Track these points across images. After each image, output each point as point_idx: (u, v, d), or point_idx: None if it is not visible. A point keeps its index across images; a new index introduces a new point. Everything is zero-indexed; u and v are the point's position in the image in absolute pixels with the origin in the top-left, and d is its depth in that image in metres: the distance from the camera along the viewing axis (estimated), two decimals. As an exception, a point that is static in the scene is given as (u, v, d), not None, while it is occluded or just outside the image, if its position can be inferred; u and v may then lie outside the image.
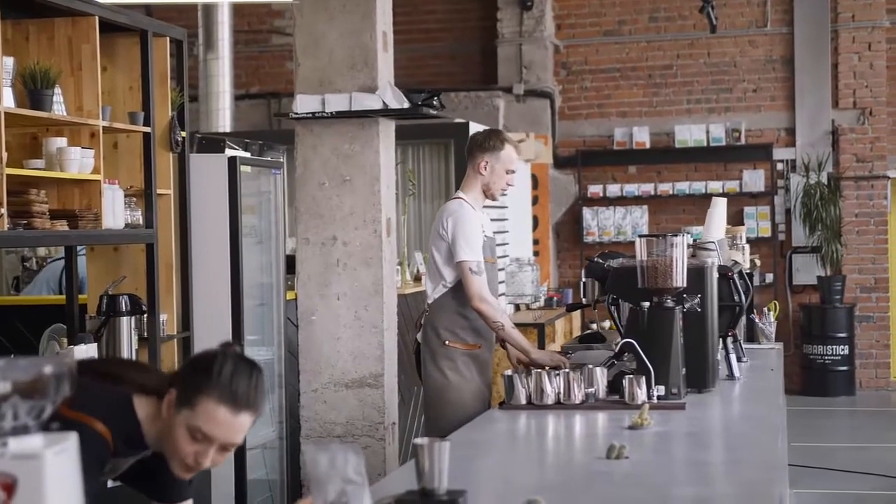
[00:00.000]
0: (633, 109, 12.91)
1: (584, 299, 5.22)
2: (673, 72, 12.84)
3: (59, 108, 5.00)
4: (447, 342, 5.11)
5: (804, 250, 12.46)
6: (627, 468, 3.33)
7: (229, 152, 6.66)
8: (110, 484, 3.14)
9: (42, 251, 8.46)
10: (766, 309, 6.72)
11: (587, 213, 12.80)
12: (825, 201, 12.14)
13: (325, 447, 2.37)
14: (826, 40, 12.48)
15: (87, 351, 5.15)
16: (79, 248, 5.94)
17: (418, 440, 2.75)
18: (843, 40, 12.49)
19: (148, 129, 5.59)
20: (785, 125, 12.65)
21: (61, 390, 1.81)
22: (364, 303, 5.55)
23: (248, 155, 6.94)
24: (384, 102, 5.46)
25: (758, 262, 10.62)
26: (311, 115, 5.52)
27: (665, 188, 12.65)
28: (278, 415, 6.76)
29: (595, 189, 12.81)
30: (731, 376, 5.10)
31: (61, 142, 5.06)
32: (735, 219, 12.19)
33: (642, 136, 12.73)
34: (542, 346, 8.56)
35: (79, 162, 5.06)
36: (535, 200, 12.10)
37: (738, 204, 12.41)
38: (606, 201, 12.81)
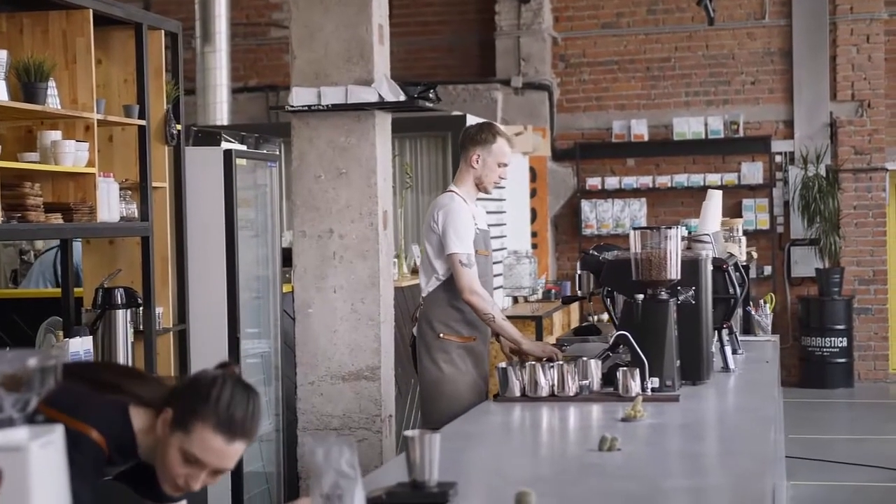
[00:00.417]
0: (631, 102, 12.91)
1: (579, 292, 5.22)
2: (671, 64, 12.83)
3: (53, 101, 5.00)
4: (442, 335, 5.12)
5: (802, 243, 12.45)
6: (619, 460, 3.34)
7: (225, 145, 6.65)
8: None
9: (40, 244, 8.45)
10: (762, 301, 6.72)
11: (585, 205, 12.80)
12: (823, 194, 12.14)
13: (321, 440, 2.37)
14: (824, 32, 12.47)
15: (82, 344, 5.16)
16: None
17: (408, 432, 2.76)
18: (842, 32, 12.48)
19: (143, 123, 5.58)
20: (783, 117, 12.64)
21: (46, 383, 1.81)
22: (361, 295, 5.55)
23: (244, 148, 6.92)
24: (380, 95, 5.46)
25: (754, 255, 10.64)
26: (307, 107, 5.52)
27: (663, 181, 12.65)
28: (275, 407, 6.77)
29: (593, 182, 12.81)
30: (726, 368, 5.10)
31: (56, 135, 5.06)
32: (733, 211, 12.20)
33: (640, 129, 12.72)
34: (539, 338, 8.56)
35: (73, 155, 5.05)
36: (533, 193, 12.09)
37: (736, 196, 12.41)
38: (605, 194, 12.80)
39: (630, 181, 12.73)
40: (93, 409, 2.67)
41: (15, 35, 5.19)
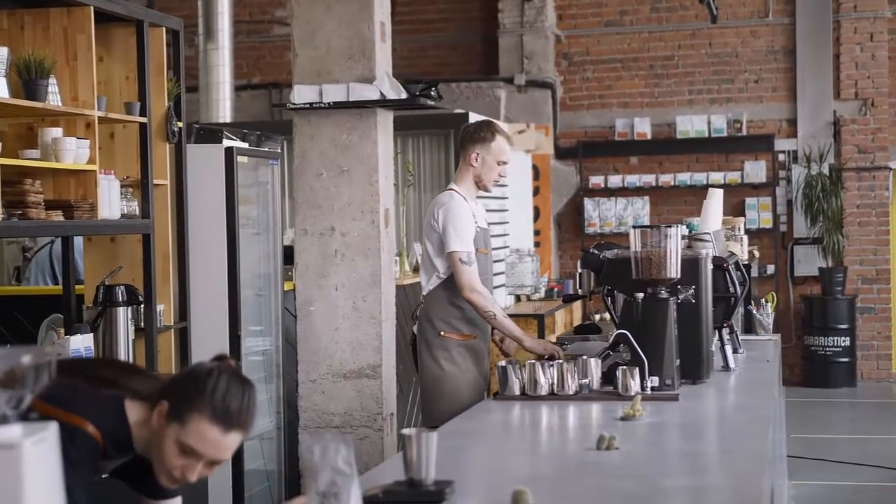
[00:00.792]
0: (634, 100, 12.89)
1: (579, 290, 5.22)
2: (674, 62, 12.82)
3: (54, 98, 5.00)
4: (442, 333, 5.12)
5: (805, 241, 12.44)
6: (618, 459, 3.33)
7: (227, 143, 6.66)
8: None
9: (42, 241, 8.46)
10: (763, 300, 6.70)
11: (588, 203, 12.79)
12: (827, 192, 12.13)
13: (318, 437, 2.37)
14: (828, 31, 12.45)
15: (83, 341, 5.16)
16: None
17: (406, 430, 2.76)
18: (845, 31, 12.46)
19: (144, 120, 5.58)
20: (787, 116, 12.63)
21: (40, 380, 1.81)
22: (362, 293, 5.56)
23: (245, 145, 6.92)
24: (382, 93, 5.46)
25: (756, 254, 10.62)
26: (308, 105, 5.52)
27: (666, 179, 12.64)
28: (276, 405, 6.76)
29: (596, 180, 12.80)
30: (726, 367, 5.09)
31: (57, 132, 5.06)
32: (736, 210, 12.19)
33: (644, 127, 12.71)
34: (541, 336, 8.56)
35: (74, 152, 5.05)
36: (536, 191, 12.09)
37: (739, 195, 12.40)
38: (608, 192, 12.80)
39: (633, 179, 12.72)
40: (88, 402, 2.68)
41: (16, 32, 5.19)
